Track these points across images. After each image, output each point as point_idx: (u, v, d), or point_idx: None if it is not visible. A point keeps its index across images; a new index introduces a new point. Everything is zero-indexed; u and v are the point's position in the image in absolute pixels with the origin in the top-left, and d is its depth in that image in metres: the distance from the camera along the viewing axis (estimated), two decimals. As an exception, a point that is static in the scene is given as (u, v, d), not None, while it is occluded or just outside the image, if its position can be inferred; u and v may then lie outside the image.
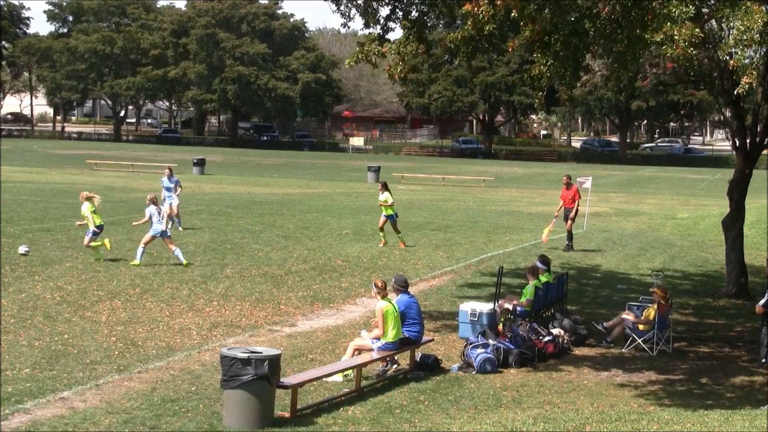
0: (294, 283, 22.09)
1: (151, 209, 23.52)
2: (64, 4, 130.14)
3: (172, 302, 19.52)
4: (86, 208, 24.13)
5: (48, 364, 14.39)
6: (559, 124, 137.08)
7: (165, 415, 12.50)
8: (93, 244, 24.00)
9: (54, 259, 23.78)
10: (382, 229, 28.68)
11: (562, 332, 17.48)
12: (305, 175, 63.44)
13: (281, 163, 79.04)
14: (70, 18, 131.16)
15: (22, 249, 24.46)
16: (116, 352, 15.37)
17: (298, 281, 22.30)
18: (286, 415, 12.70)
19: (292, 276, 22.90)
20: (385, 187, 28.95)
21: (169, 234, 24.02)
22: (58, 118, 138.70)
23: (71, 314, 17.89)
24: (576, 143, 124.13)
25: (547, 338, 16.86)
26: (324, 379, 14.11)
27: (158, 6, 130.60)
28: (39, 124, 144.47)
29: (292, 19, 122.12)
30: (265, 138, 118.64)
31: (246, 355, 12.22)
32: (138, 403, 12.93)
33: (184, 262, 23.38)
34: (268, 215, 35.85)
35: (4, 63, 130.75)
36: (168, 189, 30.99)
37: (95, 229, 23.91)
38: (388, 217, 28.35)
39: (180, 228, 30.19)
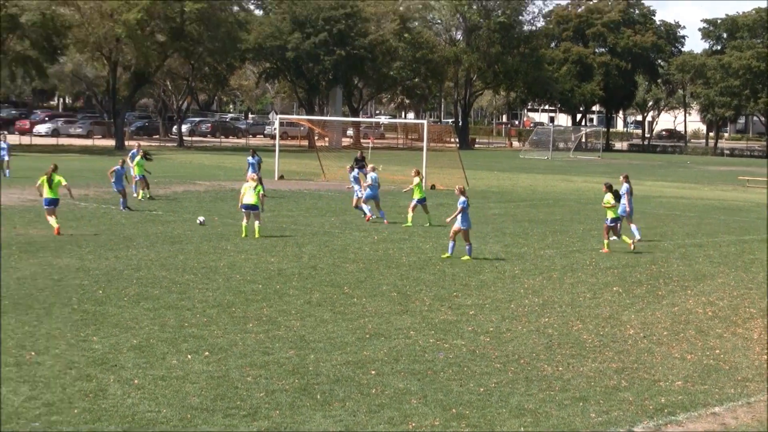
0: None
1: None
2: (719, 21, 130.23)
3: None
4: None
5: (699, 378, 14.56)
6: None
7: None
8: None
9: (706, 275, 23.97)
10: None
11: None
12: None
13: None
14: (724, 35, 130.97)
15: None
16: (768, 371, 15.16)
17: None
18: None
19: None
20: None
21: None
22: (711, 134, 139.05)
23: (723, 330, 17.93)
24: None
25: None
26: None
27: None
28: (692, 140, 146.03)
29: None
30: None
31: None
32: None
33: None
34: None
35: (659, 81, 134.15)
36: None
37: None
38: None
39: None
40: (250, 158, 43.12)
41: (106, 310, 17.28)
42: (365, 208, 32.91)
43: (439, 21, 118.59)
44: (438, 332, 16.72)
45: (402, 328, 16.86)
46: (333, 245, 26.67)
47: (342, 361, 14.49)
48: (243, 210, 27.74)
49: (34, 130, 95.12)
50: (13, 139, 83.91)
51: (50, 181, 27.16)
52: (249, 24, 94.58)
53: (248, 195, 27.48)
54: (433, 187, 47.94)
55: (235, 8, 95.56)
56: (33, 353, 14.18)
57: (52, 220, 27.02)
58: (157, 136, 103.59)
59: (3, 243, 24.65)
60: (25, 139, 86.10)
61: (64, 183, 27.56)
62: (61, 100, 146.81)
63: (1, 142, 48.44)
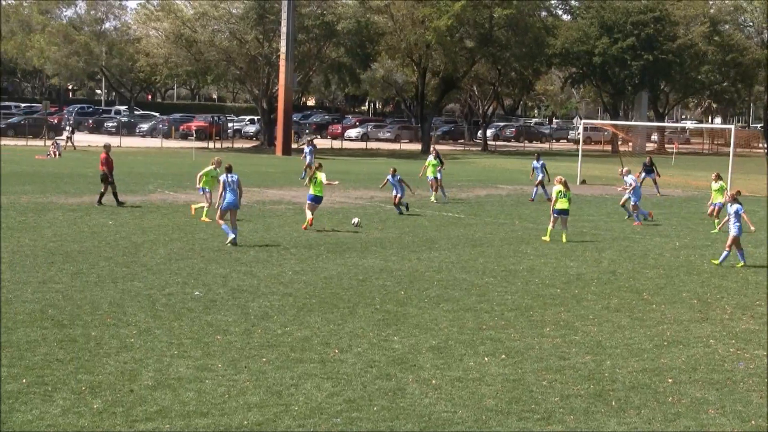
0: None
1: None
2: None
3: None
4: None
5: None
6: None
7: None
8: None
9: None
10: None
11: None
12: None
13: None
14: None
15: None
16: None
17: None
18: None
19: None
20: None
21: None
22: None
23: None
24: None
25: None
26: None
27: None
28: None
29: None
30: None
31: None
32: None
33: None
34: None
35: None
36: None
37: None
38: None
39: None
40: (534, 162, 42.71)
41: (407, 311, 17.80)
42: (636, 214, 33.18)
43: (750, 23, 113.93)
44: (738, 341, 16.19)
45: (701, 337, 16.44)
46: (633, 251, 26.28)
47: (638, 368, 14.31)
48: (554, 215, 27.78)
49: (345, 135, 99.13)
50: (325, 143, 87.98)
51: (314, 179, 28.95)
52: (556, 29, 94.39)
53: (561, 201, 27.57)
54: (738, 193, 46.32)
55: (543, 13, 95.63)
56: (337, 351, 14.81)
57: (309, 214, 28.78)
58: (462, 141, 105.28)
59: (312, 243, 25.92)
60: (336, 144, 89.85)
61: (325, 181, 29.21)
62: (371, 105, 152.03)
63: (306, 146, 51.90)
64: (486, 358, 14.62)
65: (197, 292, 18.82)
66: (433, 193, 38.96)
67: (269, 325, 16.30)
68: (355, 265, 22.63)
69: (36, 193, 36.46)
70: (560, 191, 27.57)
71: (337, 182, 32.13)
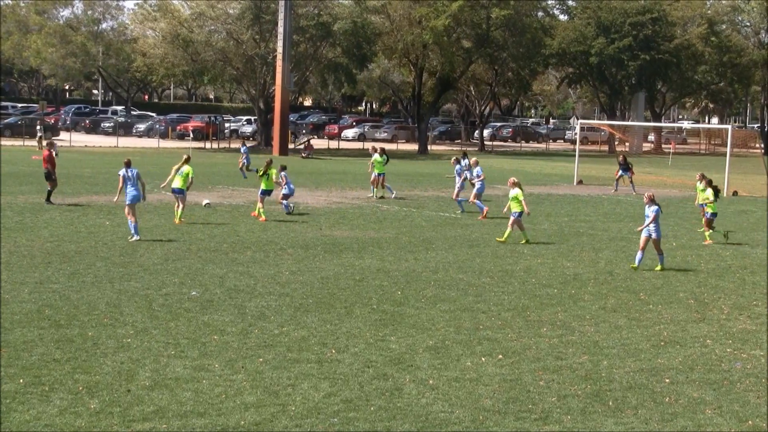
0: None
1: None
2: None
3: None
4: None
5: None
6: None
7: None
8: None
9: None
10: None
11: None
12: None
13: None
14: None
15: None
16: None
17: None
18: None
19: None
20: None
21: None
22: None
23: None
24: None
25: None
26: None
27: None
28: None
29: None
30: None
31: None
32: None
33: None
34: None
35: None
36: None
37: None
38: None
39: None
40: (457, 164, 37.78)
41: (404, 311, 17.80)
42: (463, 202, 34.92)
43: (747, 23, 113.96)
44: (735, 341, 16.21)
45: (698, 337, 16.46)
46: (630, 251, 26.26)
47: (635, 368, 14.32)
48: (515, 217, 27.17)
49: (342, 135, 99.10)
50: (322, 143, 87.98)
51: (266, 175, 30.89)
52: (553, 29, 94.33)
53: (519, 204, 26.96)
54: (735, 193, 46.48)
55: (540, 14, 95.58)
56: (334, 351, 14.81)
57: (259, 207, 30.89)
58: (459, 141, 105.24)
59: (309, 243, 25.93)
60: (333, 144, 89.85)
61: (275, 178, 31.39)
62: (368, 105, 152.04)
63: (242, 147, 52.29)
64: (483, 358, 14.62)
65: (194, 293, 18.81)
66: (374, 188, 39.74)
67: (266, 326, 16.29)
68: (351, 265, 22.62)
69: (33, 193, 36.41)
70: (520, 193, 27.09)
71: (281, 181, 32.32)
